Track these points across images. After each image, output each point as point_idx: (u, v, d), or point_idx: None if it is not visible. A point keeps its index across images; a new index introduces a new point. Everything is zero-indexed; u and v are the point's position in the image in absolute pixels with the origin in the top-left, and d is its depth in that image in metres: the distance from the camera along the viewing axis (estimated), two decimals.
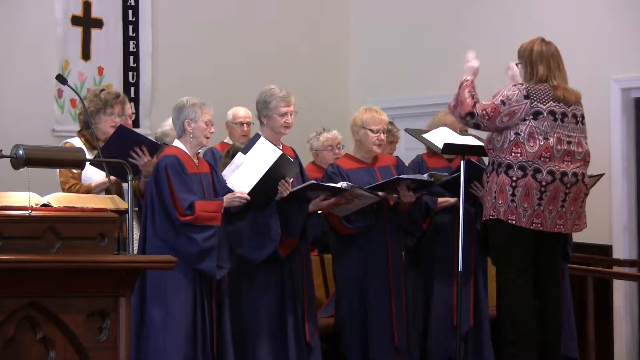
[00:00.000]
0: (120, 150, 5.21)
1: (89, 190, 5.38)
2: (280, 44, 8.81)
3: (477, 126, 5.32)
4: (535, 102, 5.21)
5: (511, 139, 5.23)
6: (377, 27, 9.13)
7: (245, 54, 8.59)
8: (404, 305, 5.81)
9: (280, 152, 5.27)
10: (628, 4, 7.36)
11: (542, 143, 5.18)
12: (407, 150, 7.99)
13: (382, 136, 5.86)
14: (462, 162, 5.61)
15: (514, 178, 5.21)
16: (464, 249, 5.64)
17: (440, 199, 5.88)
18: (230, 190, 5.21)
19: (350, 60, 9.32)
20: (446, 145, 5.58)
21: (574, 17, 7.60)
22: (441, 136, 5.81)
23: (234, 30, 8.60)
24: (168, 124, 6.10)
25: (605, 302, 7.21)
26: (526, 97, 5.22)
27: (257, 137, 5.45)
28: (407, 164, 6.15)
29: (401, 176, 5.65)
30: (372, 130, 5.81)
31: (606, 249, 7.31)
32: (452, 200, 5.84)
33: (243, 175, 5.26)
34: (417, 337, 5.93)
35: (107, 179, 5.30)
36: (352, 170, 5.81)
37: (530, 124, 5.20)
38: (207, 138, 5.22)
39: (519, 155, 5.21)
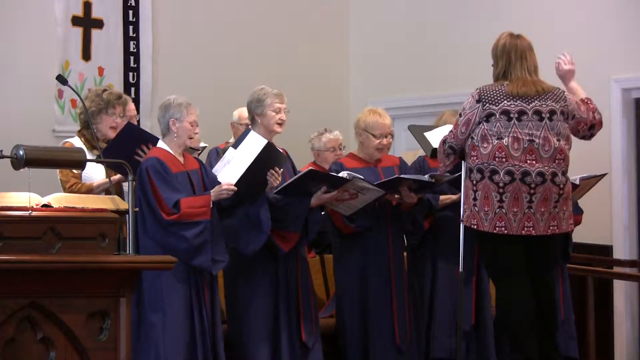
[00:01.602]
0: (127, 147, 5.22)
1: (90, 190, 5.37)
2: (280, 44, 8.81)
3: (452, 149, 5.26)
4: (487, 105, 5.10)
5: (469, 143, 5.18)
6: (377, 27, 9.13)
7: (245, 54, 8.59)
8: (406, 305, 5.81)
9: (267, 141, 5.26)
10: (628, 4, 7.36)
11: (495, 143, 5.08)
12: (407, 151, 7.98)
13: (385, 141, 5.87)
14: (462, 162, 5.60)
15: (474, 181, 5.14)
16: (467, 247, 5.64)
17: (442, 197, 5.88)
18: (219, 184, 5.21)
19: (350, 60, 9.32)
20: (434, 150, 5.59)
21: (574, 17, 7.61)
22: (442, 135, 5.79)
23: (233, 30, 8.60)
24: None
25: (606, 302, 7.21)
26: (478, 101, 5.13)
27: (247, 131, 5.46)
28: (408, 165, 6.15)
29: (402, 176, 5.65)
30: (374, 135, 5.82)
31: (607, 250, 7.31)
32: (454, 197, 5.83)
33: (233, 169, 5.26)
34: (422, 336, 5.93)
35: (108, 179, 5.30)
36: (355, 169, 5.81)
37: (483, 126, 5.10)
38: (191, 139, 5.21)
39: (475, 158, 5.13)
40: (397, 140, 8.37)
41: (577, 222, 5.82)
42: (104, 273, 3.57)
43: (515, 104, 5.08)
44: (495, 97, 5.10)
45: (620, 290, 7.30)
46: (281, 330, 5.39)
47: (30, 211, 3.60)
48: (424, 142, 5.87)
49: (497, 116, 5.07)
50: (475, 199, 5.12)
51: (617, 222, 7.32)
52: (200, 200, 5.03)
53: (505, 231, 5.07)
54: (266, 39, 8.73)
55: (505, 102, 5.08)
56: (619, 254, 7.29)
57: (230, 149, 5.39)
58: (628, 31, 7.31)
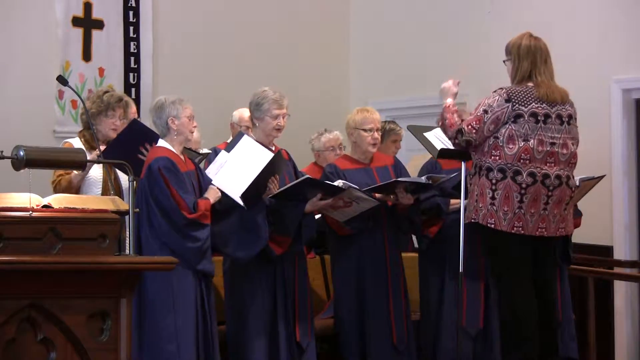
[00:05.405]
0: (130, 145, 5.21)
1: (70, 181, 5.35)
2: (281, 44, 8.82)
3: (468, 143, 5.21)
4: (517, 105, 5.13)
5: (490, 142, 5.17)
6: (377, 27, 9.14)
7: (246, 55, 8.59)
8: (403, 305, 5.81)
9: (272, 153, 5.27)
10: (628, 4, 7.37)
11: (521, 145, 5.11)
12: (407, 151, 7.98)
13: (377, 134, 5.87)
14: (462, 163, 5.60)
15: (494, 181, 5.14)
16: (472, 249, 5.62)
17: (452, 200, 5.87)
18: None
19: (351, 61, 9.32)
20: (442, 150, 5.58)
21: (574, 17, 7.61)
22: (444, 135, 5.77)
23: (234, 31, 8.60)
24: None
25: (606, 303, 7.21)
26: (507, 100, 5.14)
27: (240, 135, 5.45)
28: (406, 165, 6.14)
29: (399, 179, 5.65)
30: (365, 130, 5.82)
31: (607, 250, 7.31)
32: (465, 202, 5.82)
33: (229, 174, 5.24)
34: (430, 338, 5.93)
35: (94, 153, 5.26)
36: (350, 170, 5.81)
37: (510, 127, 5.12)
38: (192, 132, 5.20)
39: (497, 158, 5.14)
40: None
41: (577, 225, 5.82)
42: (105, 274, 3.57)
43: (542, 106, 5.15)
44: (525, 99, 5.14)
45: (621, 290, 7.30)
46: (279, 330, 5.39)
47: (30, 212, 3.59)
48: (427, 144, 5.86)
49: (526, 118, 5.12)
50: (493, 197, 5.13)
51: (617, 222, 7.32)
52: (207, 203, 5.03)
53: (522, 231, 5.11)
54: (266, 39, 8.74)
55: (533, 104, 5.14)
56: (619, 254, 7.30)
57: (223, 152, 5.37)
58: (628, 31, 7.31)
